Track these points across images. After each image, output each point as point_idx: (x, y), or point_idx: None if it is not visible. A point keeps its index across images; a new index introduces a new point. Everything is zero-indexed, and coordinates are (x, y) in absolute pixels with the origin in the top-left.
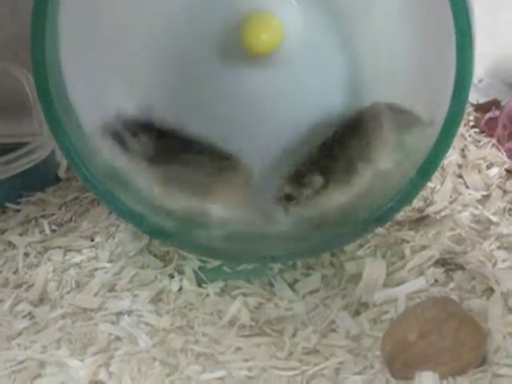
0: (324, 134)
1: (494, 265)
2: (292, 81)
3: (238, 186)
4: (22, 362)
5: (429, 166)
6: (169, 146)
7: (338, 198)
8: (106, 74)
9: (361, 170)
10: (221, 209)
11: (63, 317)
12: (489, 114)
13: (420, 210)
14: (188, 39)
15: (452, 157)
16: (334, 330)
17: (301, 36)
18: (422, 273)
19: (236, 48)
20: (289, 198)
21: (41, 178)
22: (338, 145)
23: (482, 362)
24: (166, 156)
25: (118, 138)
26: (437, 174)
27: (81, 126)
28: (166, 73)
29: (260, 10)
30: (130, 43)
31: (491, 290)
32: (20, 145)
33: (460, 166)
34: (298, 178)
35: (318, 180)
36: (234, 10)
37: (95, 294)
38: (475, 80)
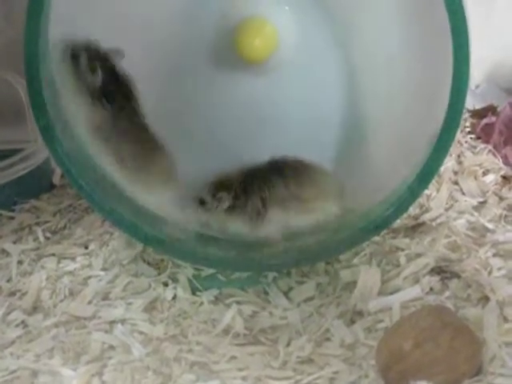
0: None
1: (490, 273)
2: (286, 87)
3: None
4: (14, 371)
5: (426, 173)
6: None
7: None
8: None
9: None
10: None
11: (56, 325)
12: (485, 120)
13: (415, 217)
14: (181, 45)
15: (448, 163)
16: (328, 339)
17: (295, 42)
18: (417, 281)
19: (229, 54)
20: (201, 202)
21: (35, 184)
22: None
23: (478, 371)
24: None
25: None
26: (433, 181)
27: (74, 136)
28: (158, 78)
29: (254, 17)
30: (123, 48)
31: (487, 299)
32: (14, 151)
33: (456, 173)
34: (218, 187)
35: (226, 200)
36: (227, 17)
37: (89, 303)
38: (472, 85)
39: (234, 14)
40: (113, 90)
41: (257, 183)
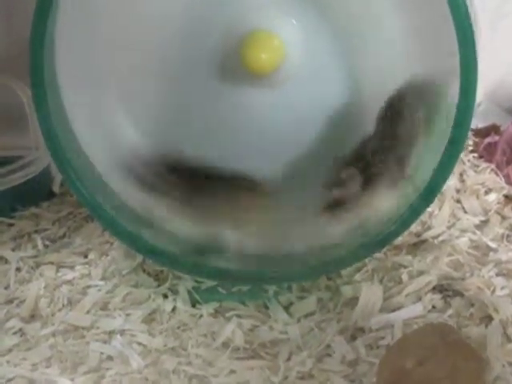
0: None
1: (493, 292)
2: (291, 100)
3: (257, 206)
4: (11, 379)
5: (429, 192)
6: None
7: (383, 198)
8: (104, 96)
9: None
10: (237, 233)
11: (54, 334)
12: (488, 139)
13: (418, 235)
14: (188, 58)
15: (450, 181)
16: (329, 355)
17: (301, 55)
18: (419, 298)
19: (236, 67)
20: (338, 203)
21: (35, 192)
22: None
23: None
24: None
25: (141, 180)
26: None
27: (80, 148)
28: (165, 92)
29: (260, 29)
30: (130, 61)
31: (490, 318)
32: (15, 158)
33: (458, 191)
34: (336, 178)
35: (355, 174)
36: (233, 29)
37: (87, 312)
38: None
39: (240, 27)
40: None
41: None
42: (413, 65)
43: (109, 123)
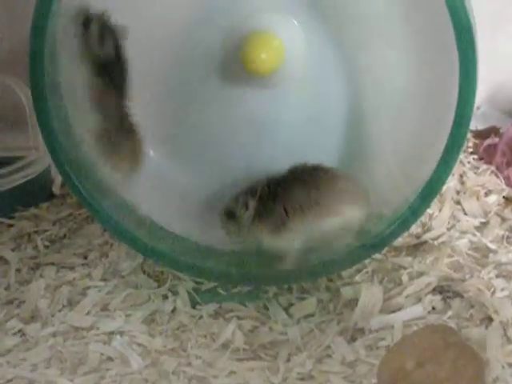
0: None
1: (493, 293)
2: (291, 100)
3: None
4: (10, 380)
5: (429, 193)
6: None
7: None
8: None
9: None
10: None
11: (54, 335)
12: (488, 141)
13: (417, 236)
14: (188, 59)
15: (450, 183)
16: (329, 356)
17: (302, 56)
18: (419, 300)
19: (236, 67)
20: (229, 215)
21: (35, 193)
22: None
23: None
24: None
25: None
26: (435, 200)
27: (79, 145)
28: (165, 91)
29: (261, 30)
30: (130, 62)
31: (489, 319)
32: (15, 159)
33: (458, 193)
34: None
35: (252, 206)
36: (234, 30)
37: (87, 313)
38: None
39: (241, 28)
40: (114, 67)
41: (279, 190)
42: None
43: None
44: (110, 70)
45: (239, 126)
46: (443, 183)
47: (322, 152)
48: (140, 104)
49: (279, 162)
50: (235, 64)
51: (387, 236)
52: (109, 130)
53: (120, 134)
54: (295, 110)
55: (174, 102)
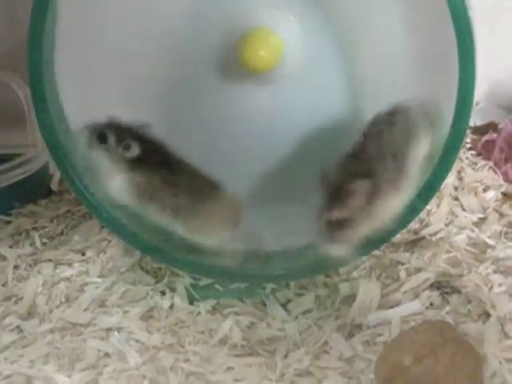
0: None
1: (491, 289)
2: (290, 97)
3: (224, 217)
4: (8, 376)
5: (428, 189)
6: (151, 156)
7: (389, 205)
8: (103, 94)
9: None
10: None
11: (52, 331)
12: (486, 137)
13: (415, 232)
14: (186, 55)
15: (448, 179)
16: (326, 352)
17: (300, 52)
18: (417, 295)
19: (234, 64)
20: (340, 224)
21: (33, 190)
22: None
23: None
24: (148, 167)
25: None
26: None
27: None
28: (163, 88)
29: (259, 27)
30: (129, 59)
31: (487, 315)
32: (13, 156)
33: (456, 189)
34: (338, 193)
35: (364, 184)
36: (232, 27)
37: (85, 309)
38: None
39: (239, 24)
40: (151, 154)
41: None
42: (412, 81)
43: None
44: (143, 165)
45: (238, 123)
46: (442, 181)
47: (321, 146)
48: (137, 101)
49: (278, 159)
50: (233, 61)
51: (385, 233)
52: None
53: None
54: (294, 106)
55: (172, 99)
